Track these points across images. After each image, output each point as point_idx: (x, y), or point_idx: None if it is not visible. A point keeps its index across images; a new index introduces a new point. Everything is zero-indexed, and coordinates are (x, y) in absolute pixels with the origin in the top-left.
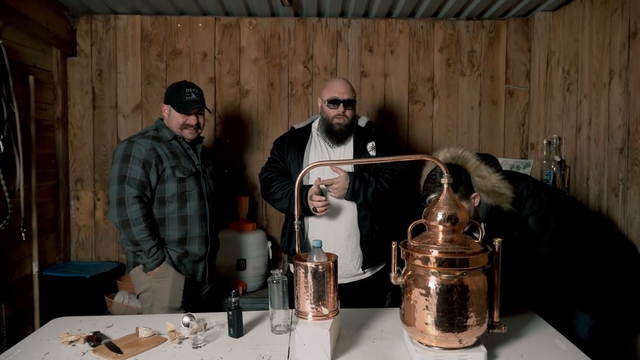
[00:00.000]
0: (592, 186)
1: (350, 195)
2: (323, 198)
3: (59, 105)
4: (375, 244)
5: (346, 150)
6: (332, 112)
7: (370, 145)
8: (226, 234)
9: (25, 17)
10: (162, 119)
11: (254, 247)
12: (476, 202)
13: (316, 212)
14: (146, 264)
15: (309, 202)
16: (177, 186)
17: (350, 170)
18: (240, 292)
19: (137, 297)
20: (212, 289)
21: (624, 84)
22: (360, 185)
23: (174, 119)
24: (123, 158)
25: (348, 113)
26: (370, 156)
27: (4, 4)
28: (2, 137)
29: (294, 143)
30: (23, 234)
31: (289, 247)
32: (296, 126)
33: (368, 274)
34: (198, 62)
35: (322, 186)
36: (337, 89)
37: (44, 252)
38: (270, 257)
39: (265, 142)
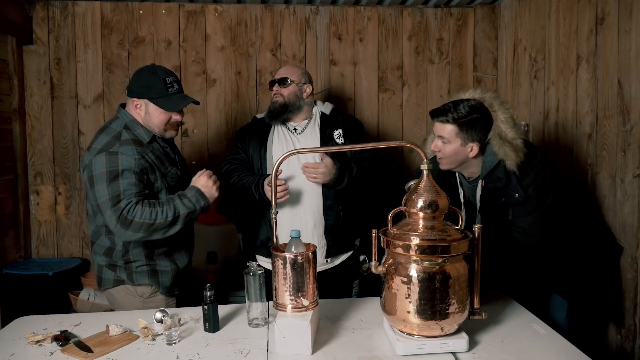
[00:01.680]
0: (560, 171)
1: (336, 180)
2: (283, 182)
3: (16, 96)
4: (340, 233)
5: (311, 138)
6: (271, 93)
7: (336, 133)
8: (196, 226)
9: None
10: (124, 113)
11: (224, 239)
12: (472, 154)
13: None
14: (203, 205)
15: (265, 190)
16: (167, 195)
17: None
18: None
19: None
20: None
21: (592, 69)
22: (345, 170)
23: (155, 117)
24: (110, 175)
25: (284, 91)
26: (337, 144)
27: None
28: None
29: (256, 133)
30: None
31: (255, 239)
32: (258, 116)
33: (334, 262)
34: (162, 50)
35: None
36: (277, 72)
37: (4, 249)
38: (242, 249)
39: (233, 132)
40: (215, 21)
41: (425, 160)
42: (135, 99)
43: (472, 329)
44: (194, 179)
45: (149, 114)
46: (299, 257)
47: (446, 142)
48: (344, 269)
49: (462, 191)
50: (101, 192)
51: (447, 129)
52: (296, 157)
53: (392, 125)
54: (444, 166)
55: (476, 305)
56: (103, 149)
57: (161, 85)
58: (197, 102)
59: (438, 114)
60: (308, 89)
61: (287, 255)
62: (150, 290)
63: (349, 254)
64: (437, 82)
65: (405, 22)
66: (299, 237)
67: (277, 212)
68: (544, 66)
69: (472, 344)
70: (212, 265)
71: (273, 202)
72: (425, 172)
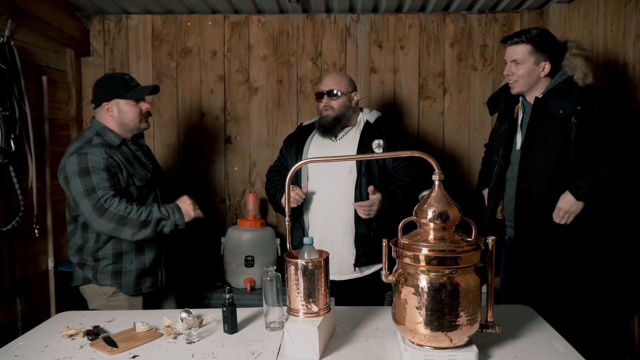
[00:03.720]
0: None
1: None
2: (298, 189)
3: (73, 105)
4: (372, 242)
5: (349, 146)
6: (320, 105)
7: (376, 143)
8: (234, 230)
9: (37, 18)
10: (96, 122)
11: (262, 244)
12: (544, 72)
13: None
14: (178, 223)
15: (281, 201)
16: (137, 195)
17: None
18: (249, 288)
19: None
20: (180, 299)
21: (638, 76)
22: (392, 200)
23: (128, 112)
24: (81, 172)
25: (334, 104)
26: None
27: (15, 5)
28: (13, 136)
29: (297, 140)
30: (37, 231)
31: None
32: (305, 123)
33: (365, 272)
34: (208, 60)
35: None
36: (323, 83)
37: (60, 248)
38: (279, 254)
39: (274, 139)
40: (258, 31)
41: (437, 170)
42: (106, 103)
43: (487, 343)
44: (181, 198)
45: (122, 112)
46: (310, 264)
47: (520, 63)
48: (376, 279)
49: (521, 114)
50: (75, 186)
51: (520, 50)
52: (331, 164)
53: (432, 134)
54: (516, 89)
55: (489, 318)
56: (74, 152)
57: (124, 82)
58: (157, 88)
59: (511, 37)
60: (356, 96)
61: (299, 261)
62: (113, 290)
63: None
64: (480, 89)
65: (448, 29)
66: (312, 244)
67: (291, 219)
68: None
69: (484, 357)
70: (250, 269)
71: (286, 209)
72: (437, 183)
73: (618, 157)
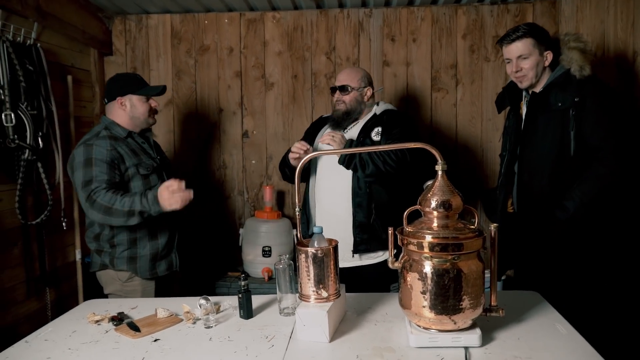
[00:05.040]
0: None
1: (345, 158)
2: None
3: (97, 102)
4: (371, 230)
5: (355, 135)
6: (333, 99)
7: (375, 131)
8: (252, 222)
9: (62, 20)
10: (105, 118)
11: (279, 234)
12: (548, 61)
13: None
14: (151, 210)
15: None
16: (143, 183)
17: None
18: (266, 278)
19: (107, 297)
20: (184, 287)
21: None
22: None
23: (139, 107)
24: (85, 162)
25: (345, 98)
26: (373, 142)
27: (40, 9)
28: (40, 134)
29: (313, 130)
30: (64, 224)
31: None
32: (325, 115)
33: (366, 261)
34: (225, 57)
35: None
36: (337, 78)
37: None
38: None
39: (290, 133)
40: (274, 27)
41: (439, 161)
42: (120, 98)
43: (491, 326)
44: (165, 184)
45: (134, 106)
46: (319, 252)
47: (526, 57)
48: (381, 270)
49: (524, 109)
50: (78, 176)
51: (524, 44)
52: (328, 156)
53: (445, 124)
54: (525, 83)
55: (494, 302)
56: (82, 143)
57: (137, 80)
58: (165, 88)
59: (509, 35)
60: (369, 92)
61: (309, 249)
62: (128, 275)
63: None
64: (492, 80)
65: (460, 21)
66: (322, 232)
67: (301, 210)
68: (602, 61)
69: (487, 339)
70: (267, 259)
71: (297, 201)
72: (440, 173)
73: (596, 172)
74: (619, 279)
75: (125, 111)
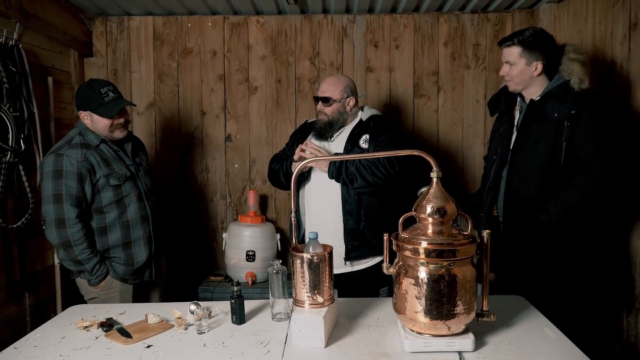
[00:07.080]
0: None
1: (333, 174)
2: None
3: None
4: (362, 236)
5: (342, 145)
6: (316, 108)
7: (363, 139)
8: (235, 226)
9: (43, 21)
10: (80, 122)
11: (263, 239)
12: (537, 72)
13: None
14: (90, 280)
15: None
16: (114, 194)
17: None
18: (250, 282)
19: (86, 303)
20: (165, 292)
21: (626, 75)
22: (341, 163)
23: (99, 123)
24: (55, 174)
25: (327, 110)
26: (361, 149)
27: (22, 9)
28: (22, 135)
29: (300, 136)
30: (44, 227)
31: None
32: (310, 120)
33: (357, 267)
34: (208, 60)
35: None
36: (320, 88)
37: None
38: (279, 249)
39: (273, 137)
40: (257, 32)
41: (434, 168)
42: (81, 112)
43: (482, 331)
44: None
45: (94, 122)
46: (315, 258)
47: (512, 64)
48: (371, 274)
49: (518, 114)
50: (46, 187)
51: (513, 52)
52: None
53: (427, 130)
54: (511, 87)
55: (485, 307)
56: (53, 151)
57: (97, 96)
58: (132, 104)
59: (505, 40)
60: (351, 101)
61: (304, 255)
62: (105, 283)
63: (378, 259)
64: (473, 87)
65: (442, 28)
66: (317, 238)
67: (296, 214)
68: None
69: (480, 344)
70: (251, 264)
71: (292, 206)
72: (434, 180)
73: (580, 181)
74: (600, 285)
75: (88, 124)
